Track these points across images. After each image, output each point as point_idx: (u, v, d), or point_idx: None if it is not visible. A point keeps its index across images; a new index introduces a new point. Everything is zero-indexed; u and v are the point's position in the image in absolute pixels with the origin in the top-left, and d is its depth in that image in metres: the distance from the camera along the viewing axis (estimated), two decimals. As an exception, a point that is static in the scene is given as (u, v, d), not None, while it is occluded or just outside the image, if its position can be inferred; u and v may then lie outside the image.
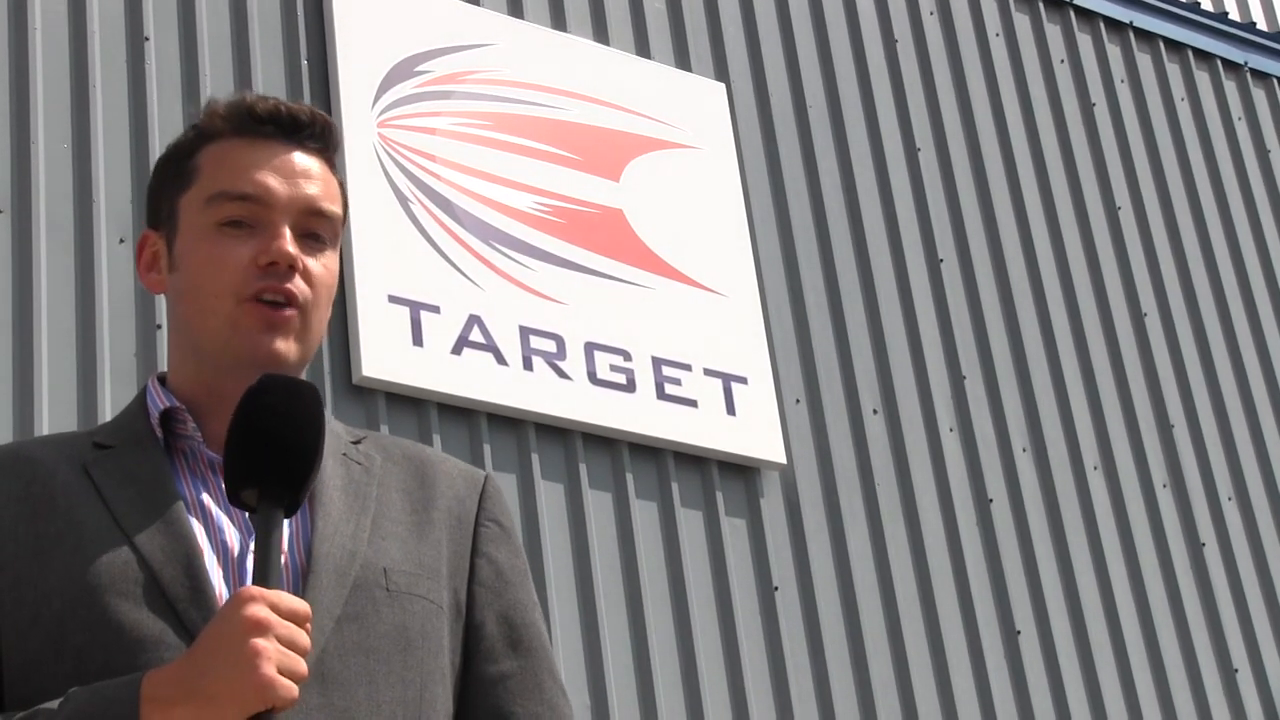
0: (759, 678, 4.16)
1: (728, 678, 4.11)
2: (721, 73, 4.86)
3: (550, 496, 4.04)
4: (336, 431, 1.37)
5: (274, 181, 1.35)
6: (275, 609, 1.09)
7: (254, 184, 1.33)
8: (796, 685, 4.13)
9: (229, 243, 1.31)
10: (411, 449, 1.45)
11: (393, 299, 4.05)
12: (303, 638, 1.11)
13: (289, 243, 1.30)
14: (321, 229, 1.36)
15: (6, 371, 3.57)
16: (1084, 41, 5.66)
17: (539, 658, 1.35)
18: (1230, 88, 5.92)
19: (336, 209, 1.39)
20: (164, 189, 1.39)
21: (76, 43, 3.97)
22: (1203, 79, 5.84)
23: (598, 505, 4.08)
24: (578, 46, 4.65)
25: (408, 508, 1.35)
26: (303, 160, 1.36)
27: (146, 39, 3.98)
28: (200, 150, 1.36)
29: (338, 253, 1.41)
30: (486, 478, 1.44)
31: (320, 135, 1.39)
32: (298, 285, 1.31)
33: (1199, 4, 5.82)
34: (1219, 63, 5.85)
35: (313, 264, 1.33)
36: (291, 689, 1.09)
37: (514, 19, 4.52)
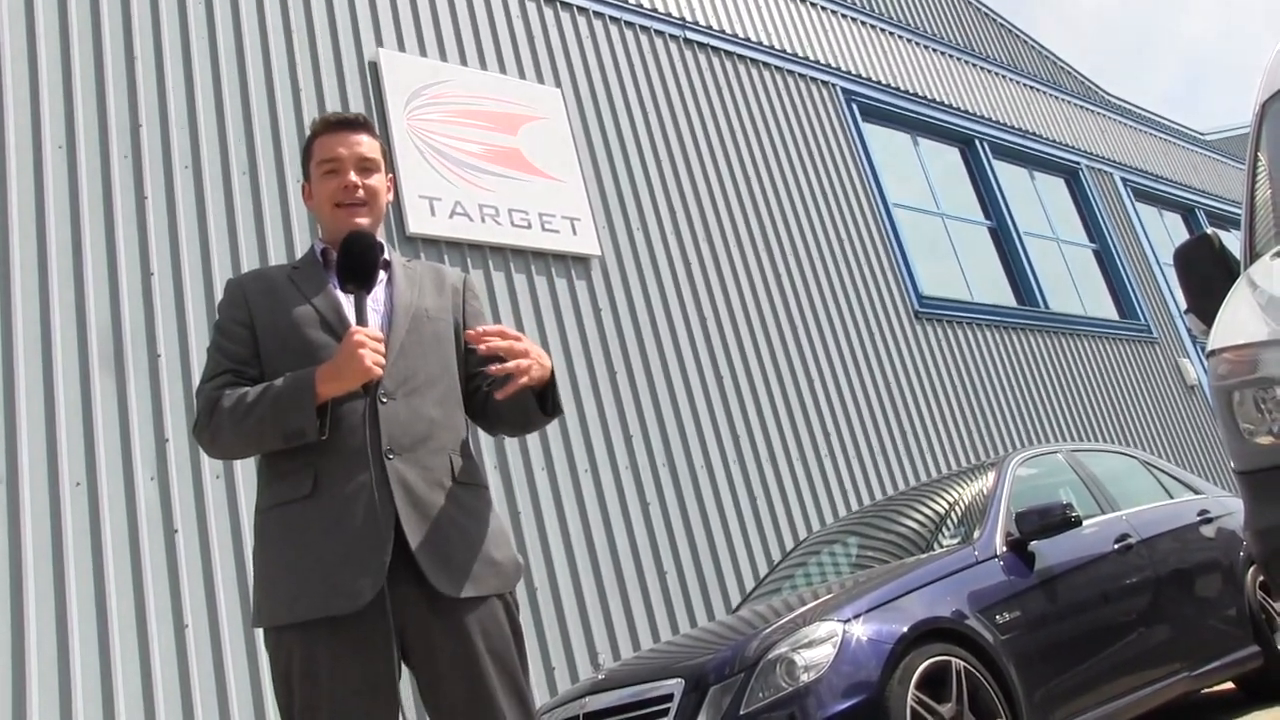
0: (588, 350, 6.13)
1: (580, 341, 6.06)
2: (559, 84, 6.94)
3: (498, 279, 5.88)
4: (400, 258, 1.93)
5: (342, 149, 1.95)
6: (365, 334, 1.69)
7: (334, 152, 1.95)
8: (615, 353, 6.15)
9: (328, 181, 1.95)
10: (433, 265, 2.02)
11: (421, 196, 5.73)
12: (381, 346, 1.69)
13: (349, 176, 1.91)
14: (369, 165, 1.95)
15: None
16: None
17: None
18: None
19: (376, 155, 1.98)
20: (304, 164, 2.03)
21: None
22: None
23: (519, 281, 6.00)
24: (491, 76, 6.48)
25: (432, 288, 1.97)
26: (355, 135, 1.94)
27: (299, 89, 5.62)
28: (313, 142, 2.01)
29: (384, 172, 1.99)
30: (466, 276, 2.02)
31: (363, 124, 1.98)
32: (357, 195, 1.93)
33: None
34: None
35: (369, 180, 1.95)
36: (380, 367, 1.69)
37: (462, 67, 6.37)
